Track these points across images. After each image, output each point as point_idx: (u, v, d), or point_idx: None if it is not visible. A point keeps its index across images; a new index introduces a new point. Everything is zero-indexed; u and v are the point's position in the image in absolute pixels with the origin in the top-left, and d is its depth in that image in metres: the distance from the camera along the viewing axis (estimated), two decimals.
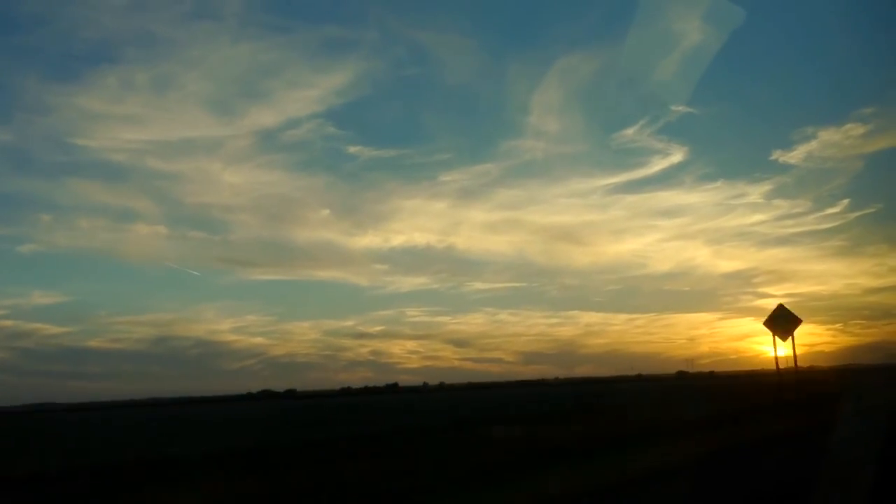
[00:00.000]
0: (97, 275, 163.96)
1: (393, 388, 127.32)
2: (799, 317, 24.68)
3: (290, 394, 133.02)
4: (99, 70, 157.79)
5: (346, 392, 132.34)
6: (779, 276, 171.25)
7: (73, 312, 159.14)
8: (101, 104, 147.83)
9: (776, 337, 24.65)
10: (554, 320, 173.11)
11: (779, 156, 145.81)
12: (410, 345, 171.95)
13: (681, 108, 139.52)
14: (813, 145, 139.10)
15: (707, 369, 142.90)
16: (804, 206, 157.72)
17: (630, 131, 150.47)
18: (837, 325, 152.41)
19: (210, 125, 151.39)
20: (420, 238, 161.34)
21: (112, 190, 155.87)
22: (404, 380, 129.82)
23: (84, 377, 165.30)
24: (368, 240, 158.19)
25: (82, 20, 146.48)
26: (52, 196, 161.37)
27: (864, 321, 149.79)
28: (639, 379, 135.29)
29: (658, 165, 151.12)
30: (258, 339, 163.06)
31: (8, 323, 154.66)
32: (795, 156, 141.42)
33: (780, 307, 24.90)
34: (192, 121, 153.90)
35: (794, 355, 25.08)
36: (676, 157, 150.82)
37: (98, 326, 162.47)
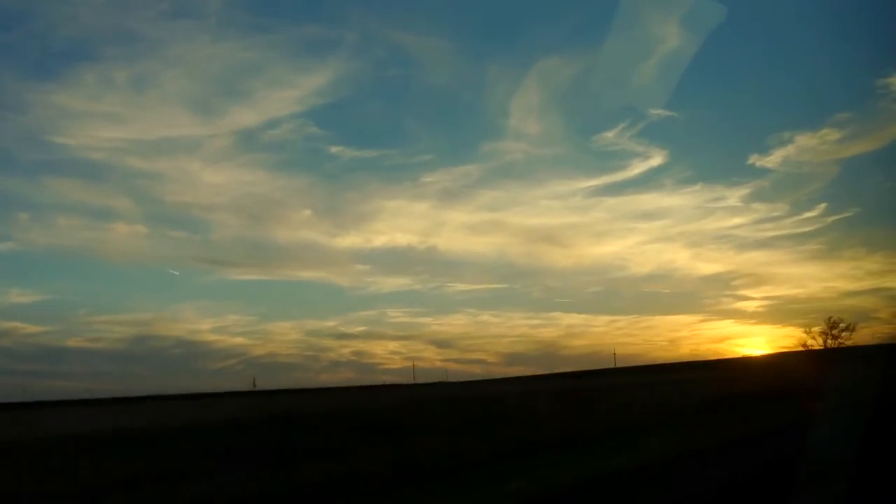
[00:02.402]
0: (76, 274, 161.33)
1: None
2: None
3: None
4: (77, 68, 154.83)
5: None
6: (757, 279, 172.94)
7: (51, 311, 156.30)
8: (79, 102, 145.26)
9: None
10: (536, 321, 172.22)
11: (756, 160, 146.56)
12: (392, 345, 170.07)
13: (660, 112, 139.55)
14: (789, 150, 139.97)
15: None
16: (782, 210, 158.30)
17: (610, 134, 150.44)
18: (816, 329, 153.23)
19: (190, 124, 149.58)
20: (402, 239, 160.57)
21: (91, 188, 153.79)
22: (387, 380, 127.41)
23: (63, 376, 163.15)
24: (350, 240, 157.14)
25: (61, 17, 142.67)
26: (30, 194, 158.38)
27: (843, 324, 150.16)
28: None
29: (638, 168, 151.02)
30: (239, 339, 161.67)
31: None
32: (772, 160, 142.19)
33: None
34: (171, 119, 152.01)
35: None
36: (656, 160, 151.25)
37: (77, 325, 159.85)
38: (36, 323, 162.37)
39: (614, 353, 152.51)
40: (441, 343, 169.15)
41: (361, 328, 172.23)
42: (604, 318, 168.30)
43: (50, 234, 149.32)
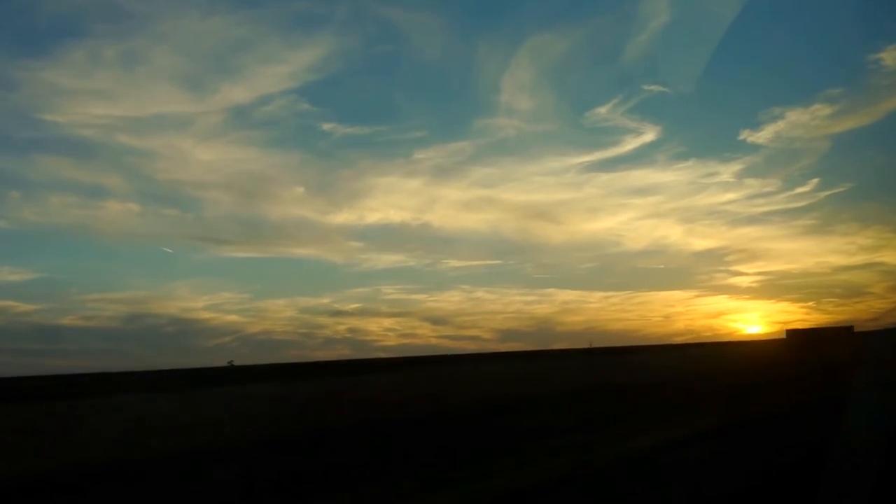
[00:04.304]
0: (68, 252, 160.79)
1: None
2: None
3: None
4: (66, 44, 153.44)
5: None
6: (750, 255, 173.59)
7: (44, 290, 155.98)
8: (69, 79, 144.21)
9: None
10: (530, 298, 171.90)
11: (747, 136, 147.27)
12: (387, 322, 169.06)
13: (652, 88, 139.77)
14: (780, 125, 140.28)
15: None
16: (775, 186, 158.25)
17: (603, 110, 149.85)
18: (810, 303, 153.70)
19: (181, 101, 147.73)
20: (395, 215, 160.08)
21: (82, 166, 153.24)
22: (379, 356, 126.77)
23: (57, 355, 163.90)
24: (343, 217, 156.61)
25: None
26: (21, 172, 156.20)
27: (836, 299, 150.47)
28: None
29: (631, 144, 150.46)
30: (233, 317, 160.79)
31: None
32: (764, 136, 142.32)
33: None
34: (162, 96, 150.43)
35: None
36: (649, 136, 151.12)
37: (70, 304, 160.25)
38: (29, 301, 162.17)
39: None
40: (436, 320, 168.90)
41: (356, 305, 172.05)
42: (598, 295, 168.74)
43: (42, 213, 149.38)
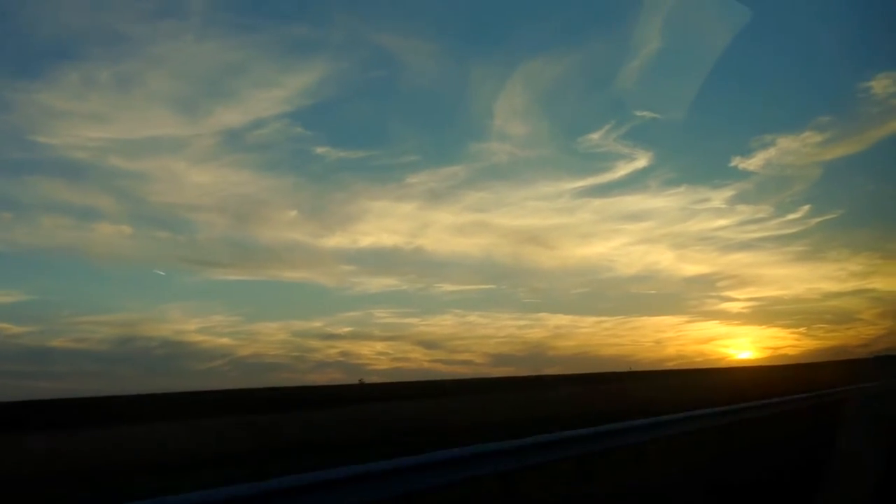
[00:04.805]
0: (60, 274, 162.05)
1: None
2: None
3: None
4: (61, 67, 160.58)
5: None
6: (741, 281, 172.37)
7: (35, 312, 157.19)
8: (63, 101, 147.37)
9: None
10: (523, 322, 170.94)
11: (738, 162, 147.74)
12: (379, 346, 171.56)
13: (645, 114, 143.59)
14: (771, 152, 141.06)
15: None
16: (766, 212, 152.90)
17: (595, 136, 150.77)
18: (801, 329, 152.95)
19: (175, 124, 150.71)
20: (388, 239, 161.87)
21: (75, 188, 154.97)
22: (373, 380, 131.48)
23: (48, 377, 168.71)
24: (336, 241, 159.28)
25: (43, 16, 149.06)
26: (13, 194, 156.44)
27: (826, 325, 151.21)
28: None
29: (623, 170, 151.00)
30: (225, 340, 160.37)
31: None
32: (755, 163, 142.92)
33: None
34: (156, 119, 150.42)
35: None
36: (641, 162, 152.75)
37: (61, 326, 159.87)
38: (19, 323, 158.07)
39: None
40: (428, 344, 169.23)
41: (348, 329, 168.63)
42: (590, 320, 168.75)
43: (34, 234, 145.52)
